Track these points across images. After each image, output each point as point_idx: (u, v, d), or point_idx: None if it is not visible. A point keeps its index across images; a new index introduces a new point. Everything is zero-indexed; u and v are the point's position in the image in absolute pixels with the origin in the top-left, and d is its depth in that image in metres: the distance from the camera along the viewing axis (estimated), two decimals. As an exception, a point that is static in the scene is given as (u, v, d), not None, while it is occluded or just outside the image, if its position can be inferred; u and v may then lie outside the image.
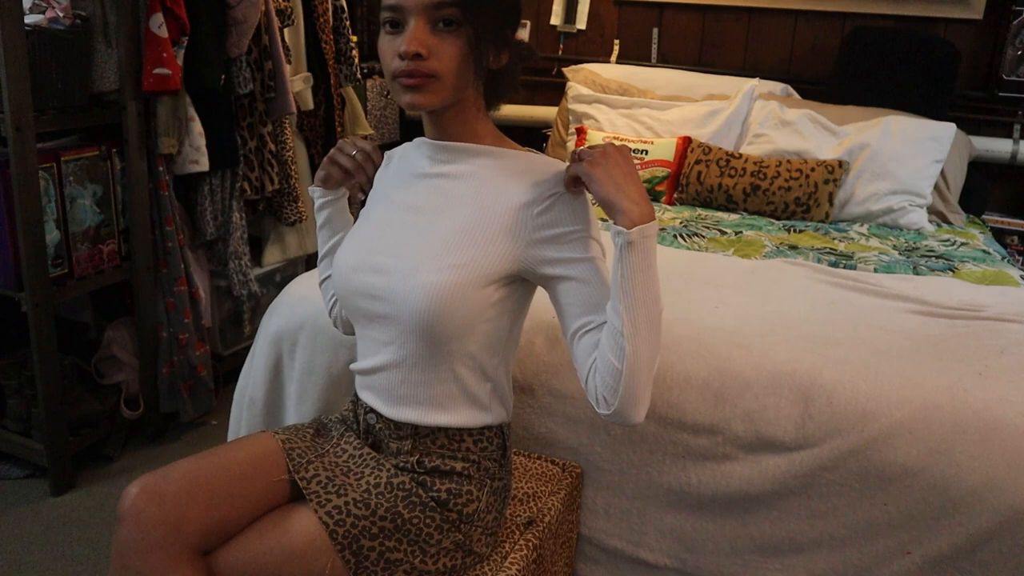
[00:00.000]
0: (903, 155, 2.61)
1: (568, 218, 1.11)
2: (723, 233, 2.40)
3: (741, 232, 2.41)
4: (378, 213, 1.24)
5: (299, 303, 1.70)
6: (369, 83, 3.29)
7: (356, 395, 1.26)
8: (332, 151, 1.30)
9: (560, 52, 3.55)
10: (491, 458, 1.19)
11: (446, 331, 1.11)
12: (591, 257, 1.11)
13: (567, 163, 1.13)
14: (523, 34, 3.57)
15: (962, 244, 2.43)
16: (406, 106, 1.10)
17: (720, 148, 2.77)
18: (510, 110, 3.54)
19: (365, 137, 3.15)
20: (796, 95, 3.04)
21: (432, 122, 1.18)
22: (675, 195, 2.80)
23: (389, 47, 1.09)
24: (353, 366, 1.25)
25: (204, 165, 2.26)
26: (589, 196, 1.12)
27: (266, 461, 1.16)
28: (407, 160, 1.25)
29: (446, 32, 1.06)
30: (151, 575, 1.02)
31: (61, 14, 2.02)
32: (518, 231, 1.12)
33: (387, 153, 1.32)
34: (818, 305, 1.74)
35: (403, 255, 1.14)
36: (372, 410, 1.21)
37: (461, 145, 1.17)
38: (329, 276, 1.39)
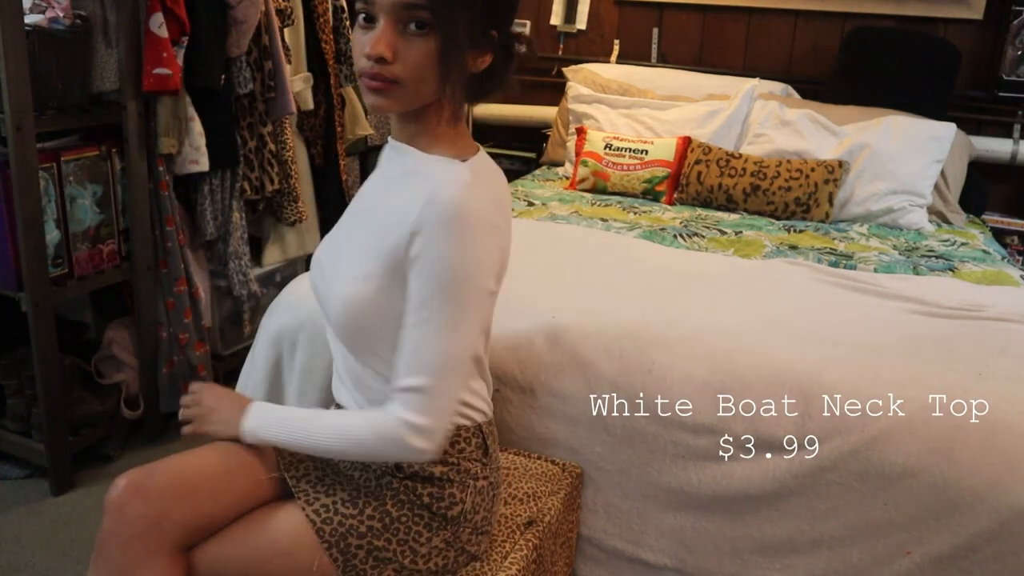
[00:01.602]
0: (903, 155, 2.61)
1: (428, 250, 1.03)
2: (723, 233, 2.40)
3: (741, 232, 2.41)
4: (344, 216, 1.24)
5: (299, 303, 1.70)
6: (369, 83, 3.29)
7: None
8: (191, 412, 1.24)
9: (560, 52, 3.55)
10: (471, 459, 1.18)
11: (364, 338, 1.11)
12: (419, 311, 1.04)
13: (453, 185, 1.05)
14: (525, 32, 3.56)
15: (962, 244, 2.43)
16: (369, 107, 1.08)
17: (720, 148, 2.77)
18: (510, 110, 3.54)
19: (364, 139, 3.15)
20: (796, 95, 3.04)
21: (396, 119, 1.14)
22: (675, 195, 2.80)
23: (360, 42, 1.05)
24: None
25: (204, 165, 2.25)
26: (467, 236, 1.04)
27: (256, 459, 1.17)
28: (381, 161, 1.23)
29: (416, 36, 1.01)
30: (129, 567, 1.04)
31: (61, 14, 2.02)
32: (399, 235, 1.06)
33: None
34: (818, 305, 1.74)
35: (333, 259, 1.16)
36: None
37: (405, 148, 1.13)
38: None
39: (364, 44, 1.03)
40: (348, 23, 2.91)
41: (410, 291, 1.05)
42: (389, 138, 1.17)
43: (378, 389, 1.14)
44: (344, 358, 1.19)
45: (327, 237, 1.23)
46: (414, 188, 1.07)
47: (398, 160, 1.15)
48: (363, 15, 1.05)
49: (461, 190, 1.04)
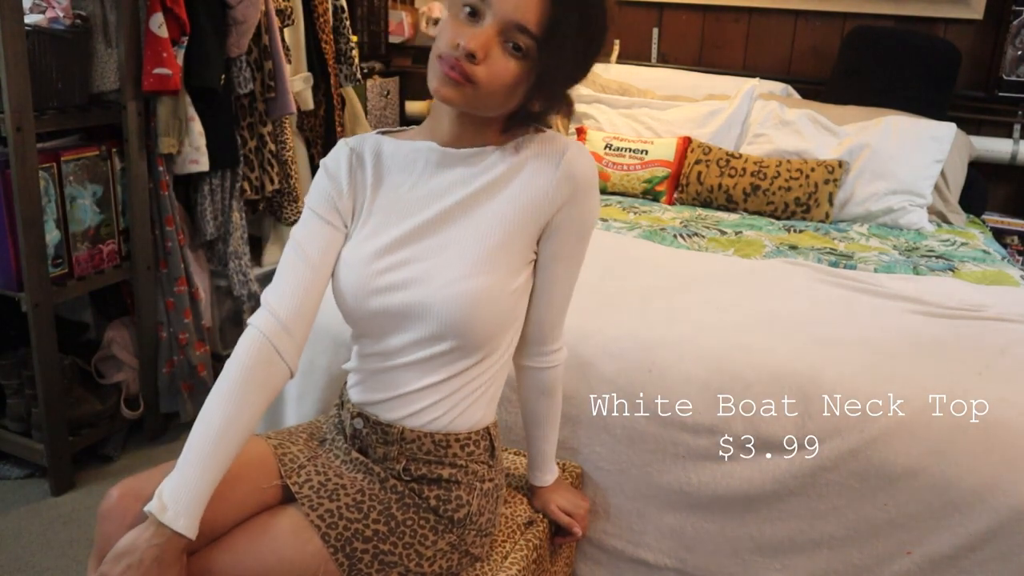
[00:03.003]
0: (903, 155, 2.61)
1: (576, 213, 1.16)
2: (723, 233, 2.40)
3: (741, 232, 2.41)
4: (388, 226, 1.16)
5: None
6: (369, 83, 3.29)
7: (341, 400, 1.24)
8: None
9: (560, 52, 3.54)
10: (479, 461, 1.18)
11: (478, 330, 1.12)
12: (558, 266, 1.19)
13: (570, 147, 1.17)
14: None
15: (962, 244, 2.42)
16: (432, 91, 1.06)
17: (720, 148, 2.77)
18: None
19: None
20: (796, 95, 3.04)
21: (451, 118, 1.13)
22: (675, 195, 2.80)
23: (455, 31, 1.03)
24: (349, 367, 1.23)
25: (204, 165, 2.26)
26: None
27: (255, 465, 1.15)
28: (409, 164, 1.17)
29: (511, 54, 1.03)
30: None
31: (61, 14, 2.02)
32: (539, 214, 1.14)
33: (351, 148, 1.19)
34: (818, 305, 1.74)
35: (434, 268, 1.11)
36: (360, 414, 1.19)
37: (476, 151, 1.14)
38: None
39: (459, 35, 1.02)
40: (348, 23, 2.91)
41: (547, 254, 1.17)
42: (434, 145, 1.14)
43: (468, 387, 1.16)
44: (428, 370, 1.14)
45: (381, 257, 1.14)
46: (535, 171, 1.14)
47: (468, 160, 1.14)
48: (469, 8, 1.04)
49: (583, 151, 1.17)
